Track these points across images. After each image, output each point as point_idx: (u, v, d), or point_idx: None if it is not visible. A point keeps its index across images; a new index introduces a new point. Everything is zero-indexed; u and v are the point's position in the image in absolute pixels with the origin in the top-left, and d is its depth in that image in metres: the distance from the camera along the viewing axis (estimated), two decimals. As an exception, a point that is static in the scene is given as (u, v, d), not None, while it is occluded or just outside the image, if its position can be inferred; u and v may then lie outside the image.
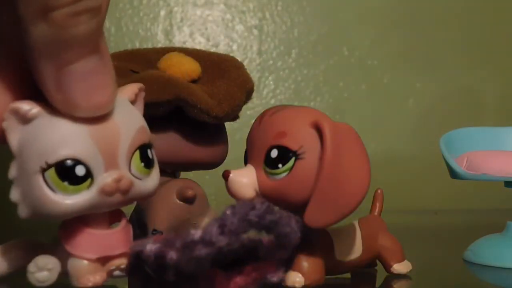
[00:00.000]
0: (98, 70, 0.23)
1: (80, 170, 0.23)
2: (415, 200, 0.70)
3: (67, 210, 0.23)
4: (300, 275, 0.27)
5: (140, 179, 0.25)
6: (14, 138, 0.24)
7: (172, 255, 0.23)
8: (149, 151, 0.25)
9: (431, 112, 0.73)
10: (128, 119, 0.25)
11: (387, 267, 0.31)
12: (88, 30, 0.21)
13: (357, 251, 0.30)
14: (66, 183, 0.23)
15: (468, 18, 0.74)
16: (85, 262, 0.25)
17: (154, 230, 0.33)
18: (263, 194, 0.27)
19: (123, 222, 0.26)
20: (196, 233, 0.23)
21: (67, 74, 0.22)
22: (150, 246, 0.23)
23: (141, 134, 0.25)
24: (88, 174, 0.23)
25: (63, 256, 0.25)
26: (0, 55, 0.24)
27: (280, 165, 0.26)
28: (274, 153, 0.26)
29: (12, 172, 0.24)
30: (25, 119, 0.23)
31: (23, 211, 0.24)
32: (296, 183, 0.26)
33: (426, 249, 0.43)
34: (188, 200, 0.33)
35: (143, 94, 0.27)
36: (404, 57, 0.73)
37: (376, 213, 0.33)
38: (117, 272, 0.25)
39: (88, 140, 0.23)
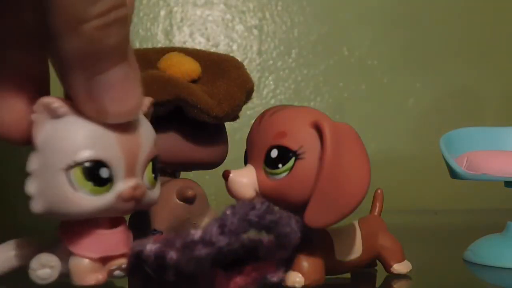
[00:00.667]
0: (128, 77, 0.23)
1: (104, 173, 0.24)
2: (415, 200, 0.70)
3: (85, 210, 0.24)
4: (300, 275, 0.27)
5: (149, 189, 0.26)
6: (41, 131, 0.24)
7: (172, 255, 0.23)
8: (157, 163, 0.26)
9: (431, 112, 0.73)
10: (146, 131, 0.25)
11: (387, 267, 0.31)
12: (118, 40, 0.22)
13: (357, 251, 0.30)
14: (91, 183, 0.24)
15: (468, 18, 0.74)
16: (87, 261, 0.25)
17: (154, 230, 0.33)
18: (263, 194, 0.27)
19: (124, 225, 0.26)
20: (196, 233, 0.23)
21: (99, 83, 0.22)
22: (150, 246, 0.23)
23: (155, 147, 0.26)
24: (110, 178, 0.24)
25: (63, 256, 0.25)
26: (28, 53, 0.24)
27: (280, 165, 0.26)
28: (274, 153, 0.26)
29: (32, 165, 0.24)
30: (55, 115, 0.24)
31: (37, 206, 0.24)
32: (296, 183, 0.26)
33: (426, 249, 0.43)
34: (188, 200, 0.33)
35: (152, 109, 0.28)
36: (404, 57, 0.73)
37: (376, 213, 0.33)
38: (117, 272, 0.25)
39: (115, 146, 0.24)
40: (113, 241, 0.25)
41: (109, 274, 0.25)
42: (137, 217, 0.35)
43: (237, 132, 0.56)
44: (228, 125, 0.37)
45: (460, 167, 0.36)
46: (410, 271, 0.31)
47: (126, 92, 0.23)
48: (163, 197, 0.33)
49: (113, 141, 0.24)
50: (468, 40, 0.74)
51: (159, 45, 0.67)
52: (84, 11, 0.21)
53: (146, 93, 0.32)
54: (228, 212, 0.23)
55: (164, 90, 0.32)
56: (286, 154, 0.26)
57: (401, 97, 0.73)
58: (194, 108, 0.33)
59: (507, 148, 0.38)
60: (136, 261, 0.24)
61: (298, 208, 0.26)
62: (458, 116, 0.73)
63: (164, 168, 0.35)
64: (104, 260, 0.25)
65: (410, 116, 0.73)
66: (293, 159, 0.26)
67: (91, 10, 0.21)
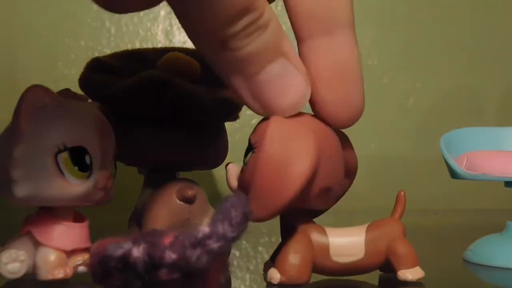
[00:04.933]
0: (286, 71, 0.24)
1: (87, 159, 0.26)
2: (415, 200, 0.69)
3: (69, 194, 0.25)
4: (278, 272, 0.27)
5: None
6: (29, 119, 0.25)
7: (170, 254, 0.22)
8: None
9: (431, 112, 0.73)
10: (112, 132, 0.28)
11: (395, 272, 0.30)
12: (262, 43, 0.23)
13: (357, 254, 0.29)
14: (76, 168, 0.25)
15: (468, 17, 0.74)
16: (56, 253, 0.26)
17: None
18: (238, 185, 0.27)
19: (86, 221, 0.28)
20: (204, 229, 0.22)
21: (257, 82, 0.24)
22: (137, 248, 0.23)
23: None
24: (90, 166, 0.26)
25: (27, 251, 0.26)
26: None
27: (244, 158, 0.27)
28: (247, 146, 0.27)
29: (18, 151, 0.24)
30: (43, 104, 0.25)
31: (21, 191, 0.25)
32: (247, 176, 0.26)
33: (426, 249, 0.43)
34: (188, 200, 0.33)
35: None
36: (404, 57, 0.73)
37: (394, 217, 0.31)
38: (81, 268, 0.26)
39: (96, 138, 0.26)
40: (81, 234, 0.27)
41: (74, 269, 0.26)
42: (137, 217, 0.35)
43: (237, 132, 0.56)
44: (228, 125, 0.37)
45: (460, 167, 0.36)
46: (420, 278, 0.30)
47: (287, 86, 0.24)
48: (163, 197, 0.33)
49: (95, 134, 0.26)
50: (468, 40, 0.74)
51: (159, 45, 0.67)
52: (224, 33, 0.22)
53: (146, 94, 0.32)
54: (228, 205, 0.23)
55: (164, 90, 0.32)
56: (249, 147, 0.27)
57: (401, 97, 0.73)
58: (195, 110, 0.33)
59: (507, 148, 0.38)
60: (106, 264, 0.23)
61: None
62: (458, 116, 0.73)
63: (164, 168, 0.35)
64: (70, 254, 0.26)
65: (410, 116, 0.73)
66: (250, 153, 0.26)
67: (231, 31, 0.22)
